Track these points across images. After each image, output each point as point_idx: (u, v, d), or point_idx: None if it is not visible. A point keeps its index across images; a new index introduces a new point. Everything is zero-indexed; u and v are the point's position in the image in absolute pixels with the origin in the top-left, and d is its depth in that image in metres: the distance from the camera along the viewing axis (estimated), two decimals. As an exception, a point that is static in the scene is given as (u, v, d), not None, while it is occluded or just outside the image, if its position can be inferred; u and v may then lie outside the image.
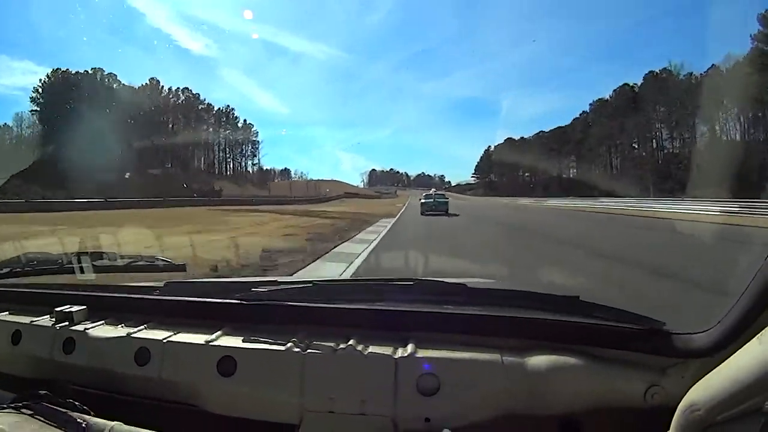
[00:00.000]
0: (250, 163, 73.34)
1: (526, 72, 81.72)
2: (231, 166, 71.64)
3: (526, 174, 75.56)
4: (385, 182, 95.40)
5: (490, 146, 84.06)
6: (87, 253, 1.58)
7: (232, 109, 70.81)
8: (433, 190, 27.63)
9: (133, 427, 0.82)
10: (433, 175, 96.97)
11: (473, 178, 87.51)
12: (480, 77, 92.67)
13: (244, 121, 72.52)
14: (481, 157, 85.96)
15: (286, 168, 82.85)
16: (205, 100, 68.23)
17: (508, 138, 79.11)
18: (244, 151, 72.52)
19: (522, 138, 77.69)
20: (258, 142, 72.82)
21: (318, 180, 78.95)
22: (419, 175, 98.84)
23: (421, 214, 20.79)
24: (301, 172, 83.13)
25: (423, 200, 22.70)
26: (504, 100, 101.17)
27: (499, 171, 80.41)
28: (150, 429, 0.82)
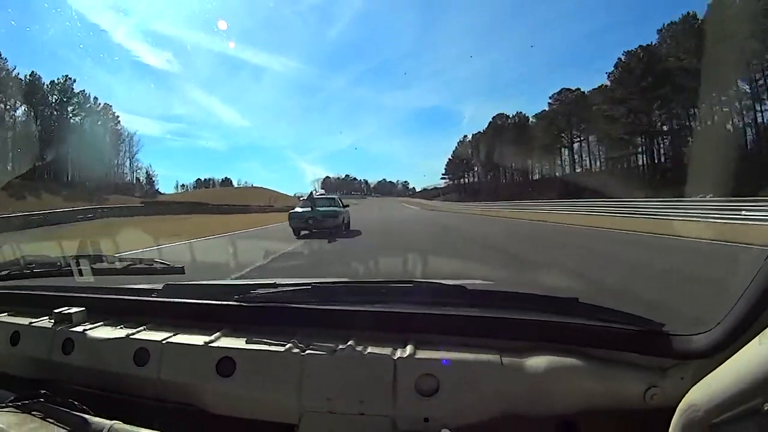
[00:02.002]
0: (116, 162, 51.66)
1: (486, 80, 77.34)
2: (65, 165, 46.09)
3: (525, 169, 53.33)
4: (341, 190, 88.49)
5: (466, 136, 66.12)
6: (86, 255, 1.58)
7: (73, 81, 46.62)
8: (319, 191, 15.49)
9: (132, 427, 0.82)
10: (395, 181, 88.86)
11: (444, 181, 72.00)
12: (441, 87, 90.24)
13: (95, 99, 48.88)
14: (454, 151, 68.16)
15: (226, 177, 71.99)
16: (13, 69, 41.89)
17: (498, 114, 55.34)
18: (96, 144, 48.37)
19: (520, 115, 52.71)
20: (121, 133, 51.35)
21: (242, 187, 68.38)
22: (380, 182, 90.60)
23: (295, 234, 12.14)
24: (245, 181, 74.43)
25: (298, 210, 12.82)
26: (466, 108, 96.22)
27: (485, 167, 59.43)
28: (149, 429, 0.82)
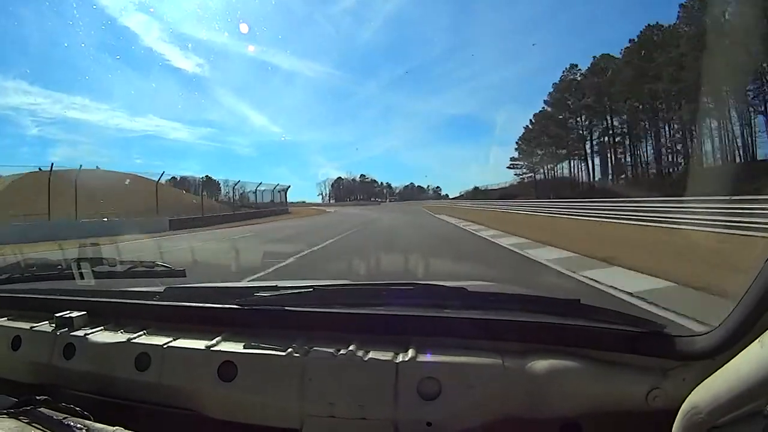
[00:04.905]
0: None
1: (518, 87, 72.13)
2: None
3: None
4: (355, 195, 77.15)
5: (573, 67, 39.70)
6: (87, 258, 1.58)
7: None
8: None
9: None
10: (426, 187, 77.76)
11: (515, 172, 46.26)
12: (473, 94, 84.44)
13: None
14: (544, 109, 41.47)
15: (207, 176, 45.44)
16: None
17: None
18: None
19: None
20: None
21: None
22: (407, 186, 79.07)
23: None
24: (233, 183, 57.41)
25: None
26: (498, 116, 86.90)
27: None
28: None
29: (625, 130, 37.41)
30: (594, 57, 38.23)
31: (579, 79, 39.44)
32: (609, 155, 38.54)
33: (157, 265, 1.63)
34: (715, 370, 0.73)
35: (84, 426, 0.83)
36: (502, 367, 0.90)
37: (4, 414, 0.86)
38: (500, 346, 0.95)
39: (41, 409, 0.87)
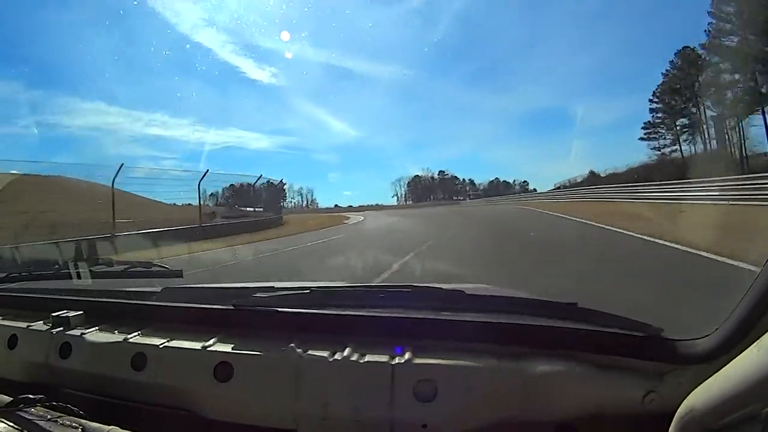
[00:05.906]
0: None
1: (600, 76, 66.36)
2: None
3: None
4: (434, 194, 71.64)
5: None
6: (84, 258, 1.58)
7: None
8: None
9: None
10: (512, 181, 69.81)
11: (653, 145, 31.29)
12: (549, 87, 76.22)
13: None
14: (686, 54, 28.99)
15: (269, 181, 34.34)
16: None
17: None
18: None
19: None
20: None
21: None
22: (492, 181, 71.68)
23: None
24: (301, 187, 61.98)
25: None
26: (577, 108, 77.19)
27: None
28: None
29: None
30: None
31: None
32: None
33: (154, 265, 1.63)
34: (712, 374, 0.73)
35: (79, 425, 0.83)
36: (498, 369, 0.90)
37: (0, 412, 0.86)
38: (497, 348, 0.95)
39: (36, 408, 0.87)
